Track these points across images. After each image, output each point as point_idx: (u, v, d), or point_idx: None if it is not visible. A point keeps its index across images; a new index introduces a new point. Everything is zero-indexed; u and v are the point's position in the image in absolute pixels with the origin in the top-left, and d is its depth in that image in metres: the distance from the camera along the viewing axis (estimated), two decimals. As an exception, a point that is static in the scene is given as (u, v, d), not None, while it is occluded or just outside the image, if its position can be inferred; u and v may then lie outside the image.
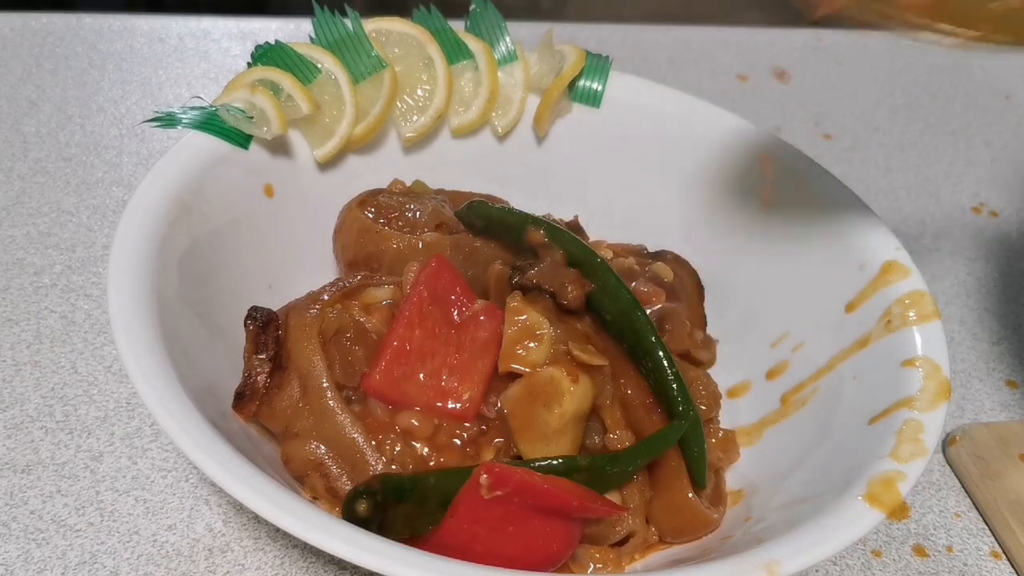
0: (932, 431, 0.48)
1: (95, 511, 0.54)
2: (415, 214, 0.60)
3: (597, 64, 0.70)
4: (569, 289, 0.52)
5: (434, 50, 0.66)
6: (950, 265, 0.83)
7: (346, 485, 0.49)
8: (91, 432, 0.58)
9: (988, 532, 0.60)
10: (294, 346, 0.51)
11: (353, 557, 0.38)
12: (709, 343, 0.63)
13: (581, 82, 0.70)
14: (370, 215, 0.60)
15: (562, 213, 0.65)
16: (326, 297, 0.54)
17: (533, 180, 0.70)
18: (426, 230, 0.59)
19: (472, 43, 0.68)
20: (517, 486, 0.44)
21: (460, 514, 0.45)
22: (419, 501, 0.46)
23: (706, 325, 0.64)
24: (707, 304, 0.64)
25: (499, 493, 0.44)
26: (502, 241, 0.59)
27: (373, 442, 0.49)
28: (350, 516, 0.44)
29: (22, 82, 0.90)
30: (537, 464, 0.48)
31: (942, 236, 0.87)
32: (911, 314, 0.54)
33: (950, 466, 0.64)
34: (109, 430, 0.58)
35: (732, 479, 0.58)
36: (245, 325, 0.52)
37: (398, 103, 0.66)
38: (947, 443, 0.64)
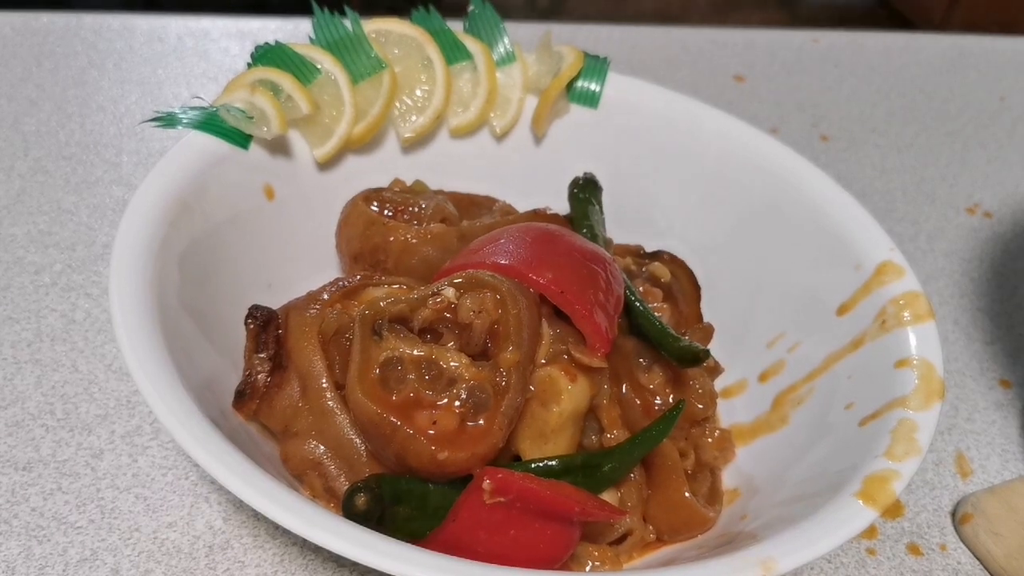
0: (926, 430, 0.48)
1: (96, 508, 0.54)
2: (419, 208, 0.61)
3: (595, 65, 0.71)
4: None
5: (433, 51, 0.66)
6: (944, 266, 0.84)
7: (344, 485, 0.49)
8: (92, 430, 0.58)
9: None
10: (294, 345, 0.52)
11: (354, 555, 0.38)
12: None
13: (579, 83, 0.70)
14: (375, 208, 0.61)
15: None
16: (326, 297, 0.54)
17: (531, 180, 0.71)
18: (430, 223, 0.60)
19: (471, 44, 0.68)
20: (519, 492, 0.44)
21: (462, 518, 0.45)
22: (418, 504, 0.47)
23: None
24: (703, 304, 0.64)
25: (501, 499, 0.44)
26: None
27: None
28: (349, 511, 0.44)
29: (22, 81, 0.90)
30: (534, 466, 0.49)
31: (937, 237, 0.87)
32: (905, 314, 0.55)
33: (966, 545, 0.59)
34: (110, 428, 0.59)
35: (728, 478, 0.58)
36: (246, 324, 0.52)
37: (397, 103, 0.67)
38: (960, 521, 0.60)
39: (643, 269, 0.62)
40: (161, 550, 0.52)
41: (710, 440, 0.57)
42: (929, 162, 0.98)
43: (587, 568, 0.50)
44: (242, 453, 0.42)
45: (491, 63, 0.68)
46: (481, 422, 0.46)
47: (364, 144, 0.66)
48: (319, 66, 0.64)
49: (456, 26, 0.69)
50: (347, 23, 0.66)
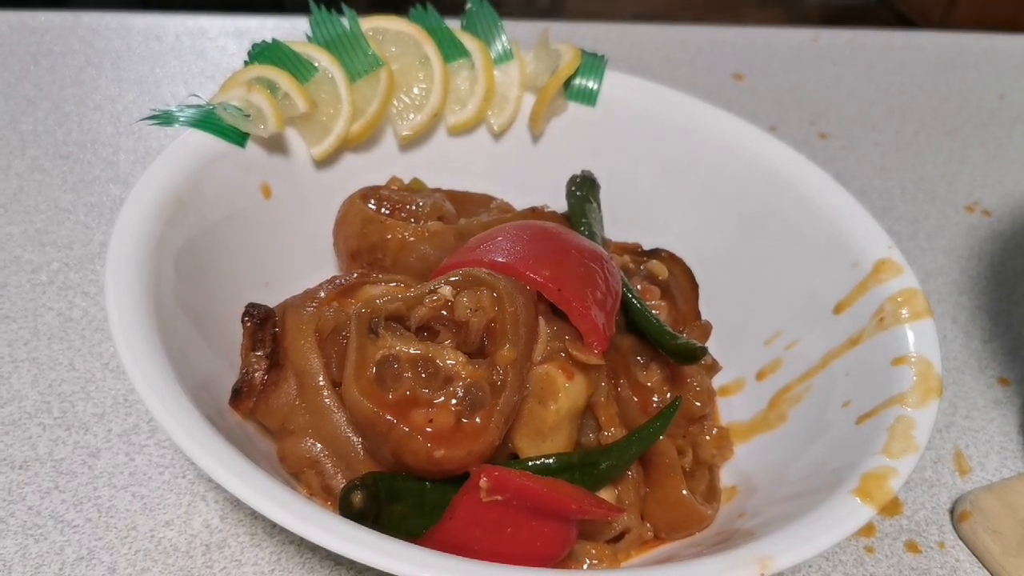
0: (923, 427, 0.48)
1: (92, 507, 0.54)
2: (416, 206, 0.61)
3: (593, 63, 0.71)
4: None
5: (430, 48, 0.66)
6: (943, 263, 0.84)
7: (341, 483, 0.49)
8: (88, 428, 0.58)
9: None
10: (291, 344, 0.52)
11: (351, 553, 0.38)
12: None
13: (577, 81, 0.70)
14: (372, 206, 0.61)
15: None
16: (323, 295, 0.54)
17: (528, 178, 0.71)
18: (428, 221, 0.60)
19: (468, 41, 0.68)
20: (516, 491, 0.44)
21: (459, 516, 0.45)
22: (415, 502, 0.46)
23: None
24: (701, 301, 0.64)
25: (498, 497, 0.44)
26: None
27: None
28: (346, 509, 0.44)
29: (19, 80, 0.90)
30: (531, 464, 0.49)
31: (936, 235, 0.87)
32: (904, 312, 0.55)
33: (964, 543, 0.59)
34: (106, 426, 0.59)
35: (726, 476, 0.58)
36: (242, 322, 0.52)
37: (394, 101, 0.66)
38: (958, 519, 0.60)
39: (641, 267, 0.62)
40: (158, 548, 0.52)
41: (708, 438, 0.57)
42: (928, 160, 0.98)
43: (585, 566, 0.50)
44: (239, 451, 0.42)
45: (489, 61, 0.68)
46: (478, 420, 0.46)
47: (361, 142, 0.66)
48: (316, 64, 0.63)
49: (454, 24, 0.69)
50: (344, 21, 0.65)
